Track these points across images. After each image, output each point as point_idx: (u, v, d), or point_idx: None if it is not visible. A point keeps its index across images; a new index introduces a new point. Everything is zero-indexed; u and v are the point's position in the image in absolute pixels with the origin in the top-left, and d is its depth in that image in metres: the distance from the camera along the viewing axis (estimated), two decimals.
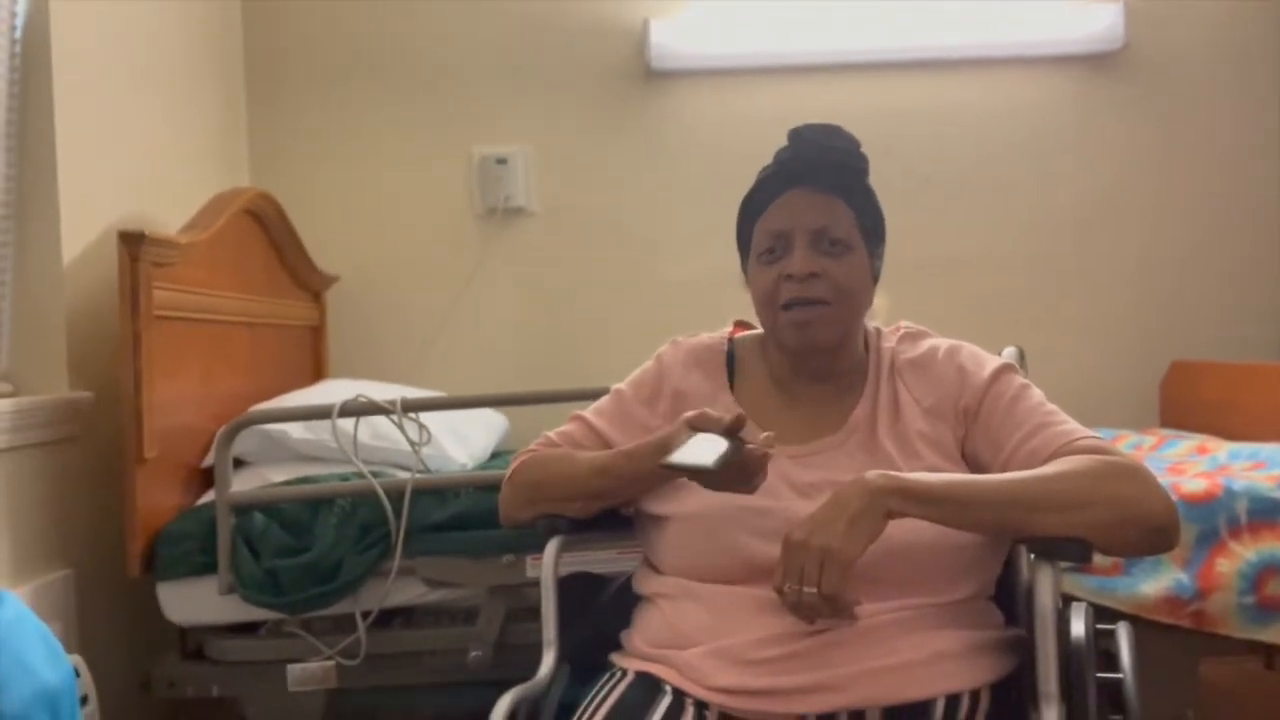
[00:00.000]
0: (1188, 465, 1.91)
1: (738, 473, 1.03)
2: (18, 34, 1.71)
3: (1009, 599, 1.18)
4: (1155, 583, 1.63)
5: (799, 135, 1.18)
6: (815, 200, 1.15)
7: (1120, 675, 1.05)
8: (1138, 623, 1.59)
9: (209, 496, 1.78)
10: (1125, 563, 1.64)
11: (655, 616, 1.13)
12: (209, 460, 1.82)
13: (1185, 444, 2.10)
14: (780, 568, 0.98)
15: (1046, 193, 2.64)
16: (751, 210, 1.20)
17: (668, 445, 1.05)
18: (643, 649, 1.11)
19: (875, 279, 1.20)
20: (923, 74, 2.63)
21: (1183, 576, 1.64)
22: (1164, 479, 1.72)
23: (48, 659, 1.13)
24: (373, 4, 2.60)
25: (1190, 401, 2.44)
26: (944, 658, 1.02)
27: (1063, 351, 2.55)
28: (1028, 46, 2.59)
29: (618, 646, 1.17)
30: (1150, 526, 0.98)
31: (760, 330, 1.24)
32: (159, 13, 2.16)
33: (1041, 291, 2.63)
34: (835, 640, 1.01)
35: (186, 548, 1.71)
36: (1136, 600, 1.63)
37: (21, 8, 1.71)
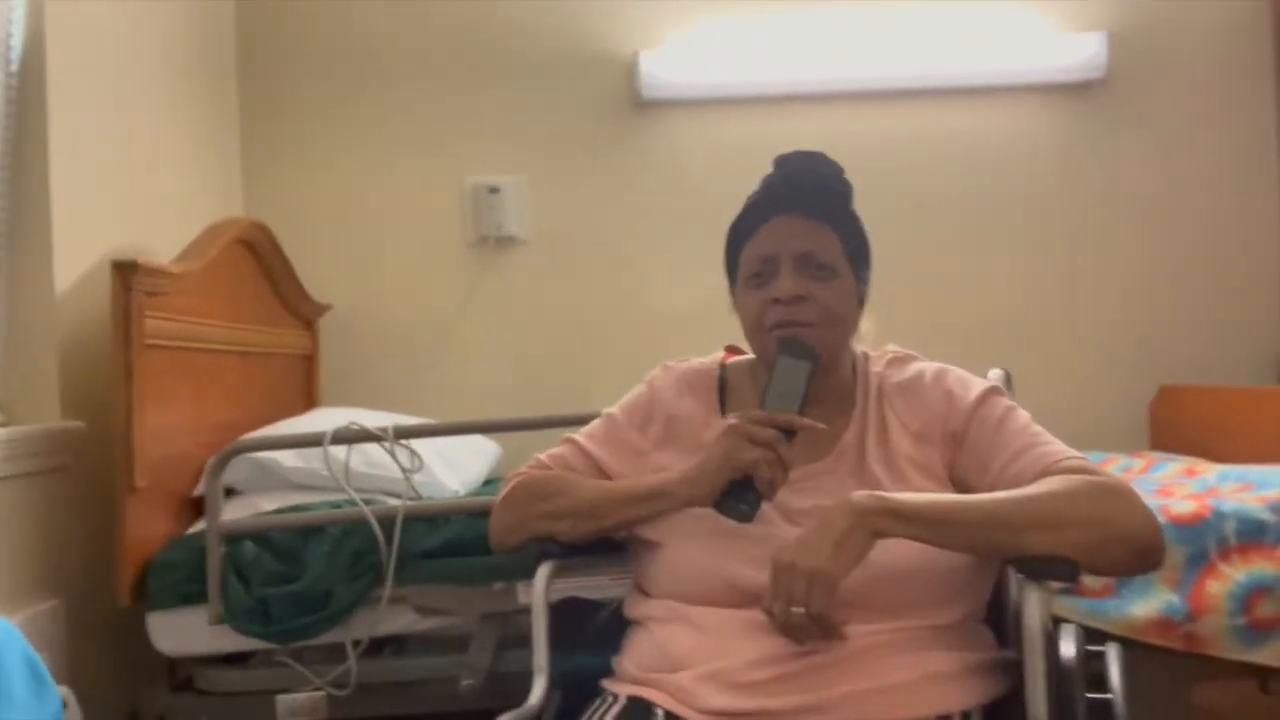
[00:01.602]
0: (1177, 487, 1.91)
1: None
2: (13, 66, 1.72)
3: (1000, 621, 1.19)
4: (1146, 605, 1.63)
5: (784, 162, 1.20)
6: (801, 226, 1.16)
7: (1110, 696, 1.05)
8: (1129, 645, 1.58)
9: (200, 525, 1.77)
10: (1116, 584, 1.64)
11: (646, 640, 1.13)
12: (200, 489, 1.82)
13: (1174, 466, 2.11)
14: (769, 590, 0.98)
15: (1033, 218, 2.67)
16: (739, 236, 1.22)
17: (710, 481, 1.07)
18: (634, 673, 1.11)
19: (862, 303, 1.22)
20: (909, 102, 2.66)
21: (1174, 598, 1.64)
22: (1153, 501, 1.72)
23: (34, 690, 1.12)
24: (366, 36, 2.63)
25: (1179, 424, 2.45)
26: (934, 679, 1.02)
27: (1052, 375, 2.56)
28: (1013, 75, 2.63)
29: (610, 672, 1.16)
30: (1135, 546, 0.99)
31: (751, 356, 1.25)
32: (153, 44, 2.18)
33: (1030, 315, 2.65)
34: (826, 662, 1.01)
35: (176, 577, 1.70)
36: (1128, 622, 1.63)
37: (17, 39, 1.73)
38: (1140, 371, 2.61)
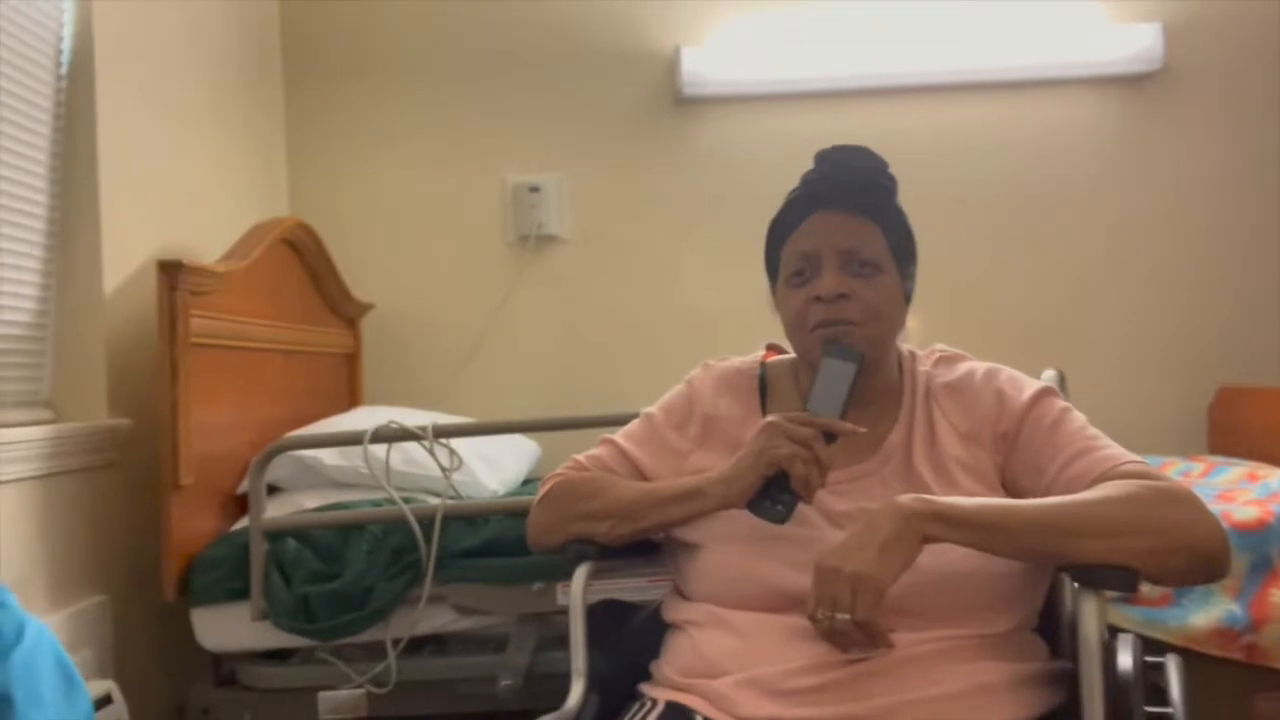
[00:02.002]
0: (1238, 493, 1.85)
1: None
2: (63, 69, 1.75)
3: (1054, 630, 1.15)
4: (1206, 614, 1.58)
5: (826, 157, 1.17)
6: (844, 221, 1.13)
7: (1170, 710, 1.01)
8: (1188, 655, 1.53)
9: (243, 523, 1.79)
10: (1175, 593, 1.58)
11: (685, 645, 1.10)
12: (244, 487, 1.83)
13: (1235, 470, 2.04)
14: (813, 594, 0.96)
15: (1087, 214, 2.60)
16: (779, 233, 1.19)
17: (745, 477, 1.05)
18: (672, 678, 1.09)
19: (907, 300, 1.18)
20: (958, 97, 2.61)
21: (1234, 608, 1.58)
22: (1214, 506, 1.66)
23: (64, 691, 1.12)
24: (410, 36, 2.64)
25: (1239, 427, 2.37)
26: (984, 690, 0.99)
27: (1107, 376, 2.49)
28: (1065, 68, 2.56)
29: (648, 676, 1.15)
30: (1200, 554, 0.95)
31: (793, 355, 1.23)
32: (199, 46, 2.21)
33: (1084, 315, 2.58)
34: (871, 670, 0.98)
35: (220, 573, 1.72)
36: (1186, 632, 1.57)
37: (66, 43, 1.75)
38: (1198, 372, 2.53)
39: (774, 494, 1.05)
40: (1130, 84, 2.58)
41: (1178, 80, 2.56)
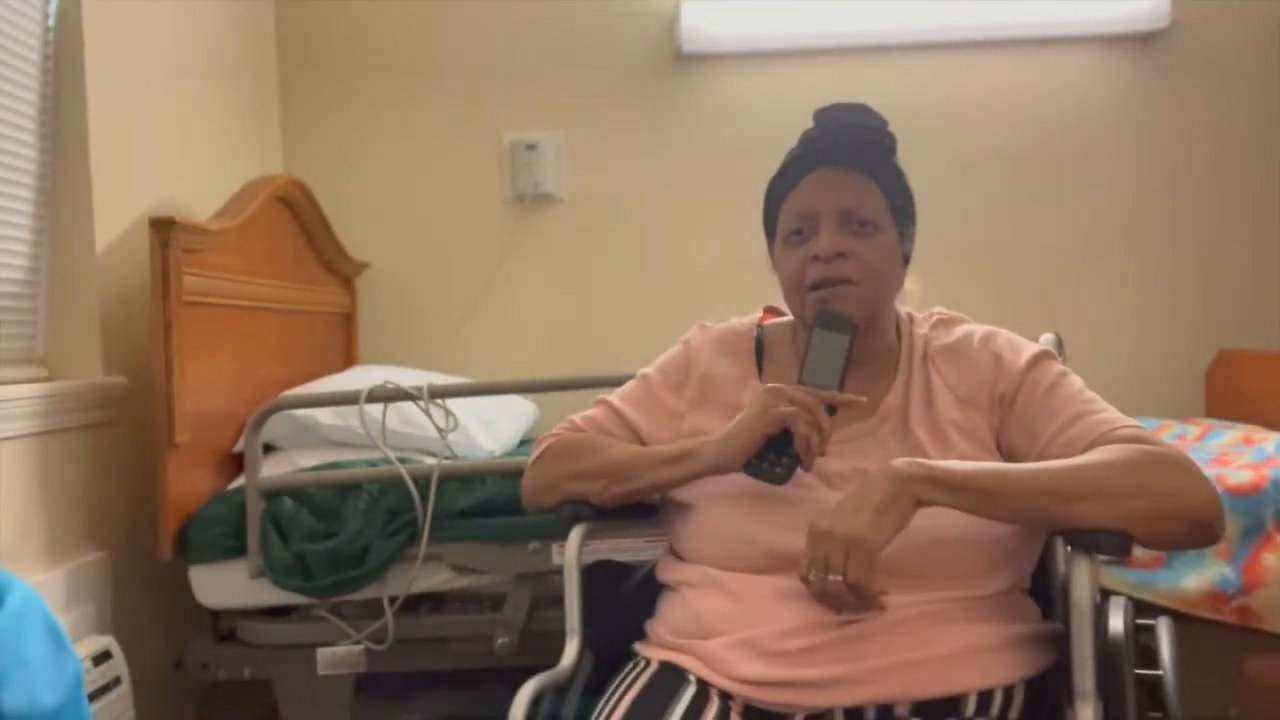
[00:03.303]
0: (1234, 456, 1.85)
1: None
2: (51, 21, 1.72)
3: (1045, 591, 1.15)
4: (1198, 577, 1.59)
5: (825, 115, 1.16)
6: (842, 179, 1.12)
7: (1160, 672, 1.02)
8: (1179, 618, 1.54)
9: (239, 481, 1.79)
10: (1166, 556, 1.59)
11: (679, 605, 1.11)
12: (240, 445, 1.83)
13: (1231, 434, 2.04)
14: (806, 556, 0.96)
15: (1089, 175, 2.57)
16: (778, 192, 1.18)
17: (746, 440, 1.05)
18: (666, 638, 1.10)
19: (906, 260, 1.17)
20: (962, 54, 2.57)
21: (1227, 571, 1.59)
22: (1209, 470, 1.65)
23: (52, 656, 1.12)
24: None
25: (1237, 391, 2.37)
26: (976, 651, 0.99)
27: (1105, 338, 2.49)
28: (1071, 26, 2.51)
29: (643, 636, 1.15)
30: (1193, 519, 0.95)
31: (790, 317, 1.22)
32: (193, 1, 2.17)
33: (1084, 277, 2.57)
34: (864, 632, 0.99)
35: (217, 532, 1.72)
36: (1178, 595, 1.58)
37: None
38: (1198, 335, 2.52)
39: (772, 457, 1.05)
40: (1137, 42, 2.54)
41: (1185, 39, 2.52)
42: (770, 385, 1.07)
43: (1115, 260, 2.57)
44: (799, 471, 1.05)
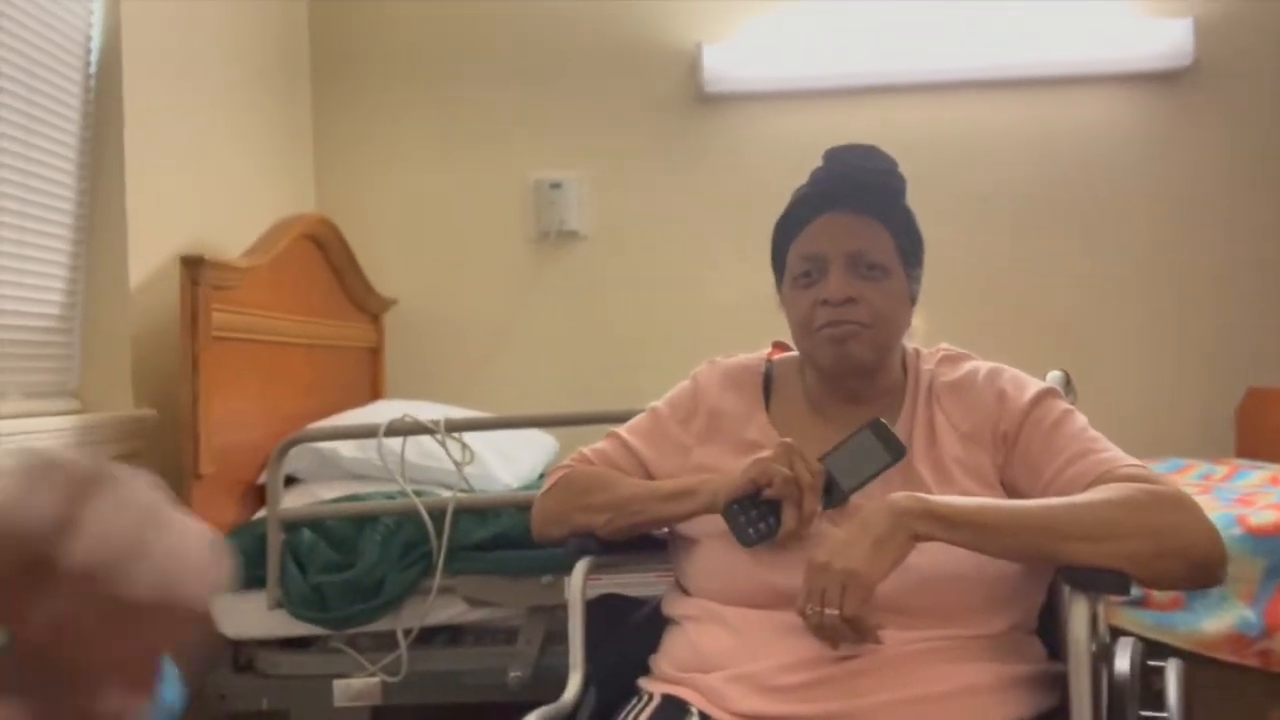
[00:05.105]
0: (1258, 496, 1.81)
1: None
2: (92, 68, 1.80)
3: (1056, 632, 1.14)
4: (1218, 620, 1.55)
5: (835, 156, 1.17)
6: (851, 223, 1.13)
7: (1166, 715, 1.00)
8: (1205, 662, 1.51)
9: (262, 513, 1.82)
10: (1186, 598, 1.56)
11: (681, 639, 1.11)
12: (264, 477, 1.87)
13: (1259, 474, 2.00)
14: (803, 590, 0.96)
15: (1113, 213, 2.56)
16: (786, 232, 1.19)
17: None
18: (668, 671, 1.10)
19: (913, 301, 1.18)
20: (986, 94, 2.58)
21: (1249, 613, 1.55)
22: (1232, 510, 1.64)
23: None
24: (435, 35, 2.67)
25: (1267, 430, 2.32)
26: (974, 692, 0.98)
27: (1134, 376, 2.46)
28: (1095, 64, 2.52)
29: (649, 671, 1.16)
30: (1192, 559, 0.94)
31: (798, 353, 1.23)
32: (228, 44, 2.25)
33: (1110, 314, 2.55)
34: (861, 669, 0.98)
35: (238, 563, 1.75)
36: (1197, 637, 1.55)
37: (95, 41, 1.80)
38: (1227, 373, 2.48)
39: (754, 515, 1.04)
40: (1160, 81, 2.54)
41: (1208, 77, 2.52)
42: (791, 442, 1.06)
43: (1144, 296, 2.55)
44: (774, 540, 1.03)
